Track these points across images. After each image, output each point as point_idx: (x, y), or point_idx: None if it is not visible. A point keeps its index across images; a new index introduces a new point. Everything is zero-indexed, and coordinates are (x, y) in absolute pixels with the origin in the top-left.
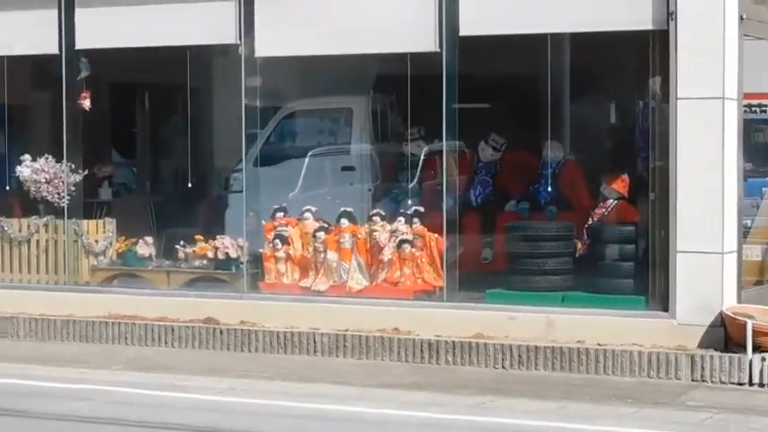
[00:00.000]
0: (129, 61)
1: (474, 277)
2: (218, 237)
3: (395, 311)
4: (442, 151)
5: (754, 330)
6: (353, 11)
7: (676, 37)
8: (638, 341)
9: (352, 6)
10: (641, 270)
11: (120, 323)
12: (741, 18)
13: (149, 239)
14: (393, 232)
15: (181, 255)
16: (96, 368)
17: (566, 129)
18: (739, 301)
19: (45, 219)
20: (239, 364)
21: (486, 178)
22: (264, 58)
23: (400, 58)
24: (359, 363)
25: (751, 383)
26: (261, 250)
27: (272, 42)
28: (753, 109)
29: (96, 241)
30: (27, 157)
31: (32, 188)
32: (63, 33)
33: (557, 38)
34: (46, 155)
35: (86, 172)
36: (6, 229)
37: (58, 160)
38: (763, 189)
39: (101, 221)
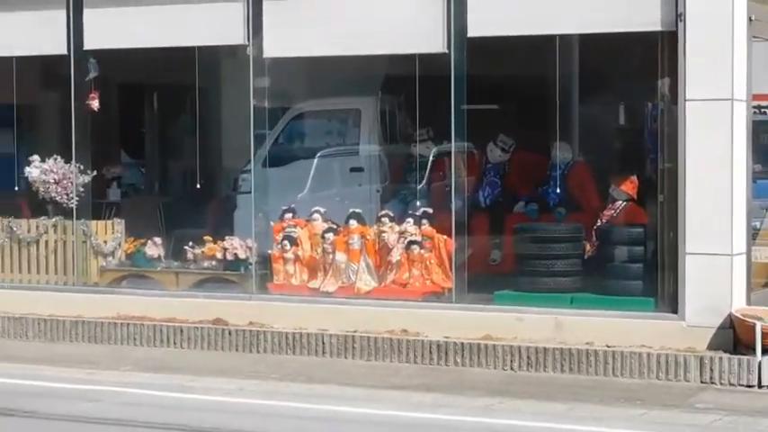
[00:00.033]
0: (138, 62)
1: (483, 279)
2: (226, 238)
3: (403, 313)
4: (450, 152)
5: (763, 332)
6: (362, 12)
7: (685, 38)
8: (646, 343)
9: (361, 7)
10: (650, 272)
11: (128, 324)
12: (750, 19)
13: (158, 240)
14: (402, 233)
15: (189, 256)
16: (105, 369)
17: (574, 130)
18: (748, 302)
19: (54, 219)
20: (248, 364)
21: (495, 179)
22: (273, 59)
23: (408, 59)
24: (367, 364)
25: (760, 385)
26: (270, 251)
27: (280, 43)
28: (762, 110)
29: (105, 242)
30: (36, 157)
31: (41, 189)
32: (72, 34)
33: (565, 39)
34: (55, 155)
35: (95, 173)
36: (15, 229)
37: (67, 161)
38: None
39: (110, 222)
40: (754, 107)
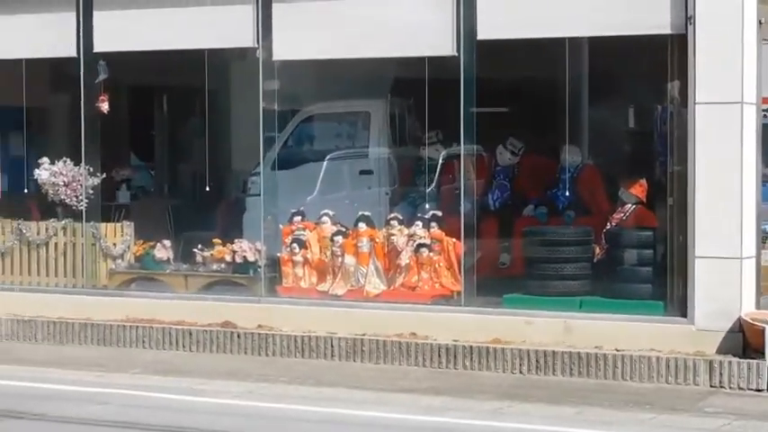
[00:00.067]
0: (148, 64)
1: (492, 282)
2: (235, 240)
3: (412, 316)
4: (459, 155)
5: None
6: (371, 14)
7: (695, 41)
8: (656, 346)
9: (370, 10)
10: (659, 275)
11: (137, 327)
12: (760, 22)
13: (167, 243)
14: (411, 236)
15: (199, 258)
16: (114, 372)
17: (584, 133)
18: (758, 306)
19: (63, 222)
20: (257, 367)
21: (504, 182)
22: (282, 62)
23: (418, 61)
24: (376, 367)
25: None
26: (278, 254)
27: (289, 46)
28: None
29: (114, 244)
30: (45, 160)
31: (51, 191)
32: (81, 36)
33: (575, 42)
34: (64, 158)
35: (104, 175)
36: (25, 232)
37: (77, 163)
38: None
39: (119, 225)
40: (764, 110)
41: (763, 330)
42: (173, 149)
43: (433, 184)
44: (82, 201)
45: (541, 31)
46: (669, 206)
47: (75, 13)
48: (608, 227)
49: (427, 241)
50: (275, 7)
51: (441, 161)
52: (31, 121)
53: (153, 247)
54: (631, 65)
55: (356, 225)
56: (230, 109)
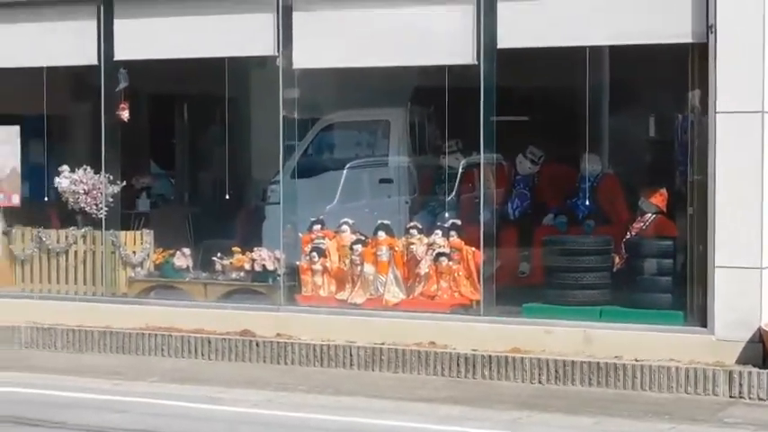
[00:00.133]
0: (168, 72)
1: (511, 291)
2: (255, 249)
3: (431, 325)
4: (479, 164)
5: None
6: (391, 23)
7: (716, 50)
8: (675, 356)
9: (391, 19)
10: (679, 285)
11: (156, 335)
12: None
13: (186, 251)
14: (430, 245)
15: (218, 267)
16: (133, 380)
17: (604, 142)
18: None
19: (83, 230)
20: (275, 376)
21: (524, 191)
22: (302, 70)
23: (438, 70)
24: (395, 376)
25: None
26: (298, 263)
27: (310, 54)
28: None
29: (134, 252)
30: (65, 167)
31: (71, 199)
32: (102, 44)
33: (595, 50)
34: (84, 166)
35: (124, 183)
36: (44, 240)
37: (97, 171)
38: None
39: (138, 233)
40: None
41: None
42: (193, 157)
43: (453, 193)
44: (102, 209)
45: (562, 39)
46: (689, 216)
47: (95, 22)
48: (628, 236)
49: (446, 250)
50: (296, 16)
51: (461, 170)
52: (51, 130)
53: (172, 255)
54: (652, 74)
55: (375, 234)
56: (250, 117)
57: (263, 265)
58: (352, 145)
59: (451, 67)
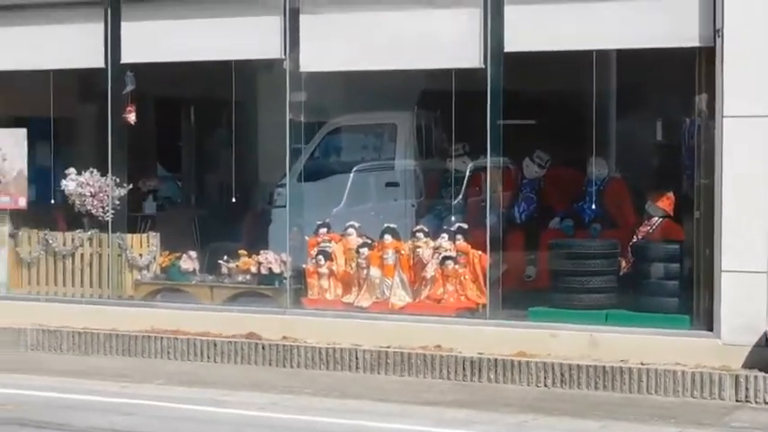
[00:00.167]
0: (175, 75)
1: (517, 295)
2: (261, 252)
3: (437, 328)
4: (486, 168)
5: None
6: (398, 26)
7: (723, 54)
8: (681, 360)
9: (398, 22)
10: (686, 289)
11: (162, 337)
12: None
13: (193, 254)
14: (436, 249)
15: (224, 269)
16: (138, 382)
17: (611, 146)
18: None
19: (89, 232)
20: (281, 379)
21: (531, 195)
22: (309, 73)
23: (445, 73)
24: (401, 380)
25: None
26: (304, 266)
27: (316, 57)
28: None
29: (140, 255)
30: (72, 170)
31: (77, 202)
32: (109, 47)
33: (602, 54)
34: (91, 168)
35: (131, 186)
36: (51, 242)
37: (103, 174)
38: None
39: (145, 236)
40: None
41: None
42: (199, 160)
43: (460, 197)
44: (108, 211)
45: (569, 43)
46: (696, 220)
47: (102, 25)
48: (634, 240)
49: (453, 254)
50: (302, 19)
51: (468, 173)
52: (58, 132)
53: (179, 258)
54: (659, 78)
55: (382, 237)
56: (257, 120)
57: (270, 268)
58: (358, 148)
59: (458, 71)
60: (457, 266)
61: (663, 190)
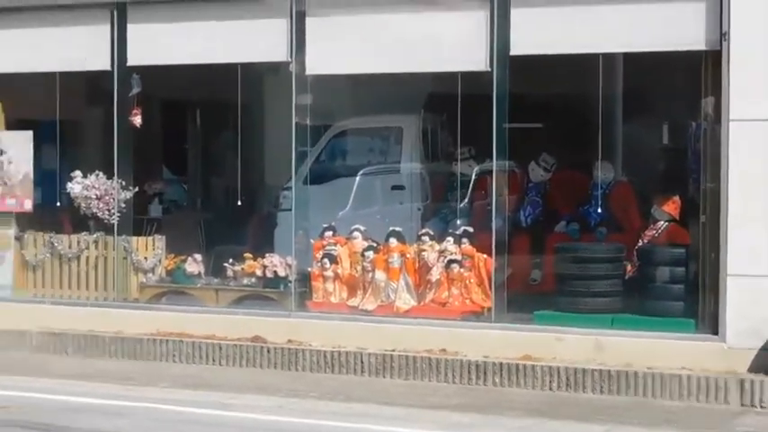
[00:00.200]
0: (181, 78)
1: (522, 298)
2: (266, 255)
3: (443, 332)
4: (492, 171)
5: None
6: (405, 29)
7: (729, 58)
8: (687, 364)
9: (404, 25)
10: (691, 293)
11: (167, 340)
12: None
13: (198, 257)
14: (442, 252)
15: (229, 273)
16: (143, 385)
17: (617, 149)
18: None
19: (95, 235)
20: (286, 382)
21: (536, 198)
22: (315, 76)
23: (451, 77)
24: (406, 383)
25: None
26: (309, 269)
27: (322, 60)
28: None
29: (145, 258)
30: (78, 173)
31: (83, 204)
32: (115, 50)
33: (608, 58)
34: (96, 171)
35: (137, 189)
36: (56, 245)
37: (109, 177)
38: None
39: (150, 238)
40: None
41: None
42: (205, 163)
43: (465, 200)
44: (114, 214)
45: (575, 47)
46: (701, 223)
47: (109, 27)
48: (640, 244)
49: (458, 257)
50: (309, 22)
51: (473, 177)
52: (64, 135)
53: (184, 261)
54: (665, 81)
55: (387, 240)
56: (263, 123)
57: (275, 272)
58: (364, 151)
59: (464, 74)
60: (462, 270)
61: (669, 194)
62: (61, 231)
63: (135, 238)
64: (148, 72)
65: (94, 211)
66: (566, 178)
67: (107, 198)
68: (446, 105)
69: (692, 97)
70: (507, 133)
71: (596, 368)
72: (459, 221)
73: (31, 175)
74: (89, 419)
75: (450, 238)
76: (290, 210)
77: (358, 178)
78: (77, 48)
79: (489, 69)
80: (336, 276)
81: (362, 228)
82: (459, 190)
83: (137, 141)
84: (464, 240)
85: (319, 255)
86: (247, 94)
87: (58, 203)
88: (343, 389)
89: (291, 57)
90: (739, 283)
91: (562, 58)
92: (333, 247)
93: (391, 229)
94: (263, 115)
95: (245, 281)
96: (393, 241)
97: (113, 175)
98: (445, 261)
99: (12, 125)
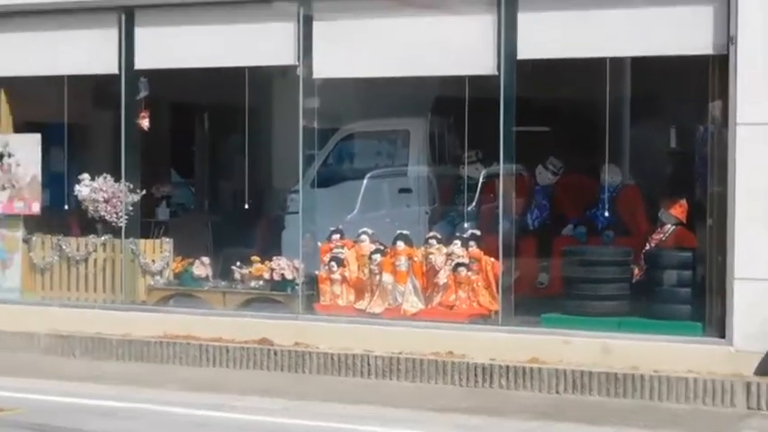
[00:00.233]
0: (188, 81)
1: (529, 301)
2: (274, 258)
3: (450, 335)
4: (499, 174)
5: None
6: (412, 33)
7: (736, 62)
8: (693, 368)
9: (411, 29)
10: (698, 296)
11: (175, 343)
12: None
13: (206, 260)
14: (449, 255)
15: (237, 275)
16: (151, 387)
17: (624, 153)
18: None
19: (103, 238)
20: (293, 385)
21: (544, 202)
22: (322, 80)
23: (458, 80)
24: (413, 386)
25: None
26: (316, 272)
27: (330, 64)
28: None
29: (153, 261)
30: (86, 176)
31: (90, 207)
32: (123, 53)
33: (615, 62)
34: (104, 174)
35: (144, 192)
36: (64, 247)
37: (117, 180)
38: None
39: (158, 241)
40: None
41: None
42: (213, 166)
43: (473, 203)
44: (121, 217)
45: (582, 51)
46: (708, 227)
47: (116, 30)
48: (647, 247)
49: (465, 260)
50: (316, 25)
51: (481, 180)
52: (72, 138)
53: (191, 263)
54: (672, 85)
55: (394, 243)
56: (270, 126)
57: (282, 274)
58: (371, 155)
59: (472, 78)
60: (469, 273)
61: (676, 197)
62: (69, 234)
63: (142, 241)
64: (156, 75)
65: (102, 213)
66: (573, 182)
67: (115, 201)
68: (453, 109)
69: (698, 101)
70: (515, 137)
71: (603, 371)
72: (466, 225)
73: (39, 178)
74: (98, 422)
75: (458, 242)
76: (298, 213)
77: (365, 181)
78: (85, 51)
79: (497, 73)
80: (344, 279)
81: (370, 231)
82: (466, 193)
83: (144, 144)
84: (471, 243)
85: (327, 258)
86: (255, 98)
87: (66, 206)
88: (350, 391)
89: (299, 60)
90: (746, 287)
91: (569, 61)
92: (340, 250)
93: (399, 232)
94: (270, 118)
95: (253, 284)
96: (400, 244)
97: (121, 178)
98: (452, 264)
99: (20, 128)
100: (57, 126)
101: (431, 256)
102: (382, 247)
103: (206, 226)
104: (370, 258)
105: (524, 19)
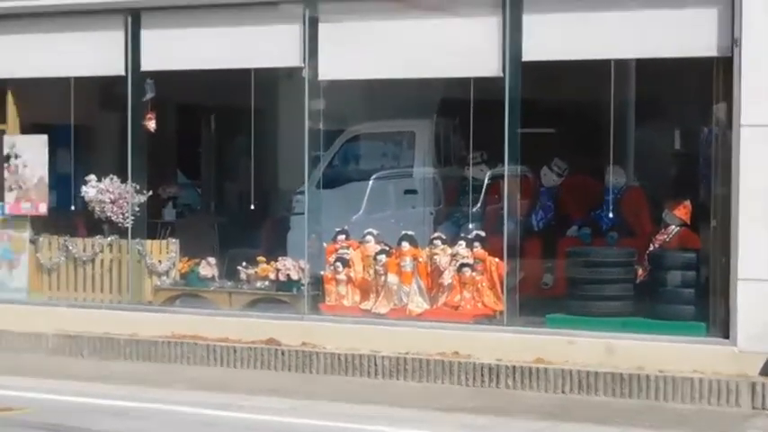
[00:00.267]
0: (194, 83)
1: (534, 302)
2: (280, 258)
3: (455, 335)
4: (504, 176)
5: None
6: (418, 35)
7: (740, 64)
8: (698, 368)
9: (416, 31)
10: (702, 297)
11: (182, 343)
12: None
13: (212, 260)
14: (454, 256)
15: (243, 276)
16: (158, 387)
17: (628, 154)
18: None
19: (109, 239)
20: (300, 385)
21: (548, 203)
22: (328, 81)
23: (463, 82)
24: (419, 386)
25: None
26: (322, 272)
27: (335, 66)
28: None
29: (160, 261)
30: (92, 177)
31: (97, 208)
32: (129, 55)
33: (620, 64)
34: (111, 175)
35: (151, 192)
36: (71, 248)
37: (123, 181)
38: None
39: (164, 242)
40: None
41: None
42: (219, 168)
43: (478, 204)
44: (128, 218)
45: (587, 52)
46: (712, 228)
47: (123, 32)
48: (651, 248)
49: (470, 261)
50: (321, 27)
51: (486, 181)
52: (78, 139)
53: (198, 264)
54: (677, 87)
55: (400, 244)
56: (276, 128)
57: (288, 275)
58: (377, 156)
59: (477, 80)
60: (474, 273)
61: (680, 198)
62: (76, 235)
63: (149, 242)
64: (162, 77)
65: (109, 214)
66: (578, 183)
67: (121, 202)
68: (459, 110)
69: (703, 103)
70: (519, 138)
71: (608, 371)
72: (471, 225)
73: (46, 179)
74: (106, 421)
75: (463, 242)
76: (303, 213)
77: (371, 182)
78: (92, 53)
79: (502, 75)
80: (349, 280)
81: (375, 231)
82: (471, 194)
83: (151, 146)
84: (476, 244)
85: (332, 258)
86: (261, 99)
87: (73, 207)
88: (356, 391)
89: (304, 62)
90: (750, 288)
91: (574, 63)
92: (345, 251)
93: (404, 232)
94: (276, 120)
95: (259, 284)
96: (405, 245)
97: (127, 179)
98: (457, 265)
99: (27, 129)
100: (63, 127)
101: (436, 257)
102: (387, 248)
103: (212, 227)
104: (375, 259)
105: (529, 21)
